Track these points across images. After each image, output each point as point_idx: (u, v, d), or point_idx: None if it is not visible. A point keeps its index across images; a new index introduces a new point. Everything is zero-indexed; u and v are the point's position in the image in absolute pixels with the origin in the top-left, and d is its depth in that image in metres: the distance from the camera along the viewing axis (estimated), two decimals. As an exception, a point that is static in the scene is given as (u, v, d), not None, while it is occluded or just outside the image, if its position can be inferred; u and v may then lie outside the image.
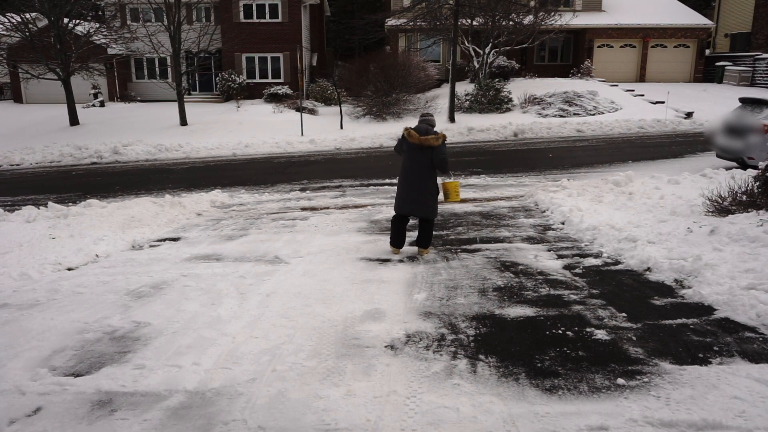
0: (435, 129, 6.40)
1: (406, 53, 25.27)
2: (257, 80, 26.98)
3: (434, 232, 7.54)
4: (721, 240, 5.82)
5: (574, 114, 20.92)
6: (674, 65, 27.80)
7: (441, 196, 6.68)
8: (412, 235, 7.46)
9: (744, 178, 7.58)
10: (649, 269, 5.60)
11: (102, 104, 25.02)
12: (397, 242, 6.62)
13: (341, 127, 20.26)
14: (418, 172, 6.36)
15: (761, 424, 3.01)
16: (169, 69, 26.32)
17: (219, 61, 27.63)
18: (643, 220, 7.11)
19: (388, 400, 3.38)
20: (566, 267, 5.89)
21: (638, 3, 28.93)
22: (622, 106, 21.77)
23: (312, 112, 22.72)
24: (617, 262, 5.96)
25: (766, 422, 3.04)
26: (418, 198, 6.39)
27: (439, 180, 6.65)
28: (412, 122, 20.54)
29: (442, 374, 3.67)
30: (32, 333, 4.48)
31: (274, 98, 24.99)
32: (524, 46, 23.99)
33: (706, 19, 28.74)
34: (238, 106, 23.78)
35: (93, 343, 4.31)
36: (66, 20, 20.35)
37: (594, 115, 20.90)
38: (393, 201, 10.10)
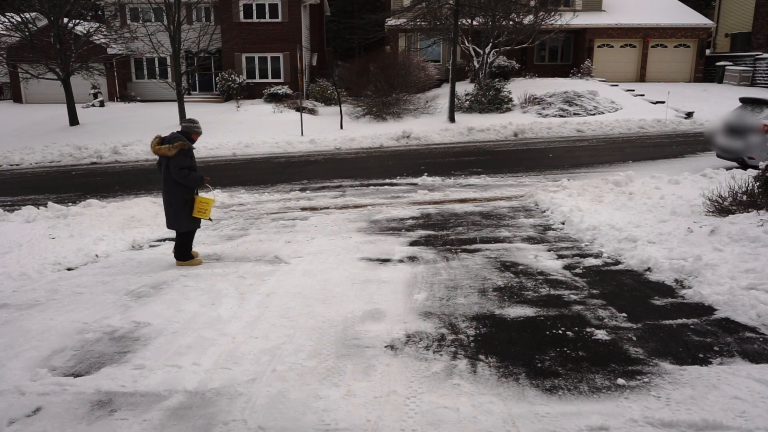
0: (185, 137, 6.18)
1: (406, 53, 25.27)
2: (257, 80, 26.97)
3: (434, 232, 7.55)
4: (722, 240, 5.81)
5: (575, 114, 20.91)
6: (674, 65, 27.80)
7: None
8: (412, 235, 7.46)
9: (744, 178, 7.58)
10: (649, 269, 5.60)
11: (102, 104, 25.01)
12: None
13: (341, 127, 20.26)
14: (164, 184, 6.27)
15: (762, 425, 3.01)
16: (169, 69, 26.32)
17: (219, 61, 27.63)
18: (643, 220, 7.11)
19: (388, 400, 3.38)
20: (566, 267, 5.88)
21: (638, 3, 28.93)
22: (622, 106, 21.77)
23: (312, 112, 22.72)
24: (617, 262, 5.95)
25: (767, 422, 3.03)
26: (167, 210, 6.35)
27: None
28: (413, 122, 20.62)
29: (442, 374, 3.67)
30: (32, 333, 4.48)
31: (274, 98, 24.99)
32: (524, 46, 23.99)
33: (706, 18, 28.74)
34: (238, 106, 23.77)
35: (93, 344, 4.31)
36: (66, 20, 20.34)
37: (594, 115, 20.90)
38: (393, 201, 10.16)
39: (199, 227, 6.60)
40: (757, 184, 6.85)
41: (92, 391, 3.58)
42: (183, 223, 6.35)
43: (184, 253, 6.43)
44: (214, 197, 6.64)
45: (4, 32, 20.13)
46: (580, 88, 22.89)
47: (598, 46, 27.31)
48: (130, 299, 5.24)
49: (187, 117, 6.35)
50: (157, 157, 6.27)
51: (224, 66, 26.94)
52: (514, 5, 21.77)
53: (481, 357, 3.90)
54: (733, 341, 4.02)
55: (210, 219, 6.63)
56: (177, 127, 21.69)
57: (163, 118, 21.57)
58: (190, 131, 6.32)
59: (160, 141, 6.18)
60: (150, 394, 3.53)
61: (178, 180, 6.15)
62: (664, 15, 27.66)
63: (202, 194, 6.61)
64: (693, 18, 27.83)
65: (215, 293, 5.32)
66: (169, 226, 6.43)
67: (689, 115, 20.54)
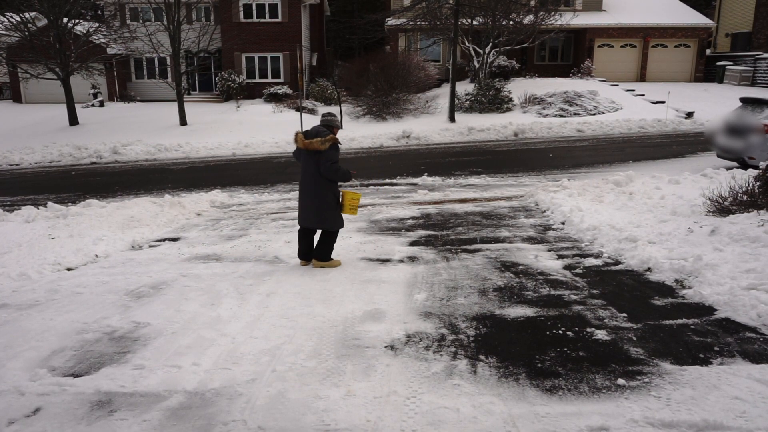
0: (330, 131, 5.86)
1: (406, 53, 25.27)
2: (257, 80, 26.96)
3: (434, 232, 7.55)
4: (722, 240, 5.81)
5: (575, 114, 20.91)
6: (675, 65, 27.79)
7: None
8: (412, 235, 7.45)
9: (745, 178, 7.57)
10: (649, 269, 5.59)
11: (101, 104, 25.00)
12: (302, 255, 6.20)
13: (341, 127, 20.25)
14: (309, 180, 5.92)
15: (762, 425, 3.00)
16: (168, 69, 26.32)
17: (219, 61, 27.62)
18: (643, 220, 7.10)
19: (388, 401, 3.37)
20: (567, 267, 5.88)
21: (639, 2, 28.92)
22: (622, 105, 21.76)
23: (312, 111, 22.71)
24: (618, 262, 5.95)
25: (767, 423, 3.03)
26: (312, 208, 5.94)
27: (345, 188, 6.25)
28: (413, 122, 20.62)
29: (442, 374, 3.67)
30: (31, 333, 4.48)
31: (274, 98, 24.98)
32: (524, 45, 23.98)
33: (706, 18, 28.73)
34: (238, 106, 23.77)
35: (92, 344, 4.30)
36: (65, 20, 20.33)
37: (594, 115, 20.90)
38: (393, 201, 10.15)
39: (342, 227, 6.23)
40: (758, 184, 6.84)
41: (92, 391, 3.58)
42: (336, 221, 6.01)
43: (327, 253, 6.08)
44: (360, 191, 6.30)
45: (3, 32, 20.11)
46: (580, 88, 22.89)
47: (599, 46, 27.31)
48: (129, 299, 5.24)
49: (326, 112, 6.11)
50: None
51: (224, 66, 26.93)
52: (514, 5, 21.76)
53: (482, 357, 3.89)
54: (734, 341, 4.01)
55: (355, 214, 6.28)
56: (177, 127, 21.48)
57: (163, 118, 21.57)
58: (332, 125, 5.96)
59: (304, 135, 5.87)
60: (150, 395, 3.52)
61: (329, 175, 5.80)
62: (665, 15, 27.65)
63: (348, 189, 6.33)
64: (693, 18, 27.82)
65: (215, 293, 5.31)
66: (314, 224, 6.01)
67: (689, 115, 20.53)
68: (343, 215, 6.16)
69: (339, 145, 5.93)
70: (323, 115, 6.08)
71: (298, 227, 6.21)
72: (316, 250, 6.13)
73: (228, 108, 23.86)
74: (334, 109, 22.42)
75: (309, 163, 5.88)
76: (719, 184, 7.82)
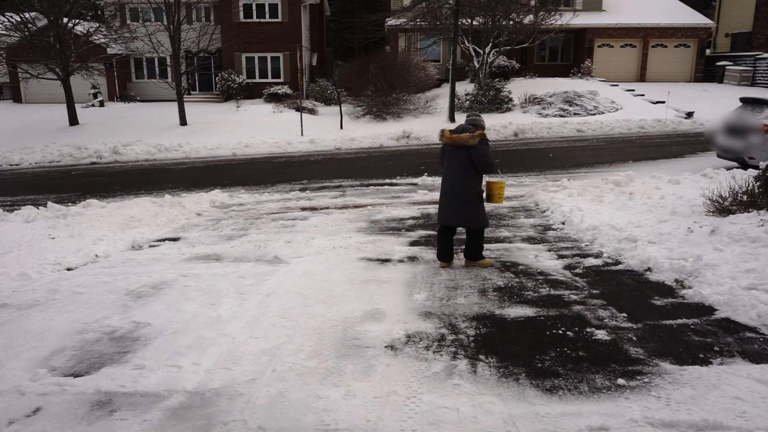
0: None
1: (406, 53, 25.26)
2: (257, 80, 26.97)
3: (434, 232, 7.52)
4: (722, 240, 5.81)
5: (575, 114, 20.91)
6: (675, 65, 27.79)
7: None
8: (412, 235, 7.46)
9: (745, 178, 7.57)
10: (649, 269, 5.60)
11: (101, 104, 25.00)
12: (442, 256, 6.05)
13: (341, 127, 20.25)
14: (455, 177, 5.82)
15: (762, 425, 3.01)
16: (168, 69, 26.31)
17: (219, 61, 27.62)
18: (643, 220, 7.11)
19: (388, 401, 3.37)
20: (566, 267, 5.88)
21: (638, 2, 28.92)
22: (622, 105, 21.77)
23: (312, 112, 22.71)
24: (618, 262, 5.95)
25: (767, 423, 3.03)
26: (459, 205, 5.84)
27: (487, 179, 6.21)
28: (413, 122, 20.61)
29: (442, 374, 3.67)
30: (31, 333, 4.48)
31: (274, 98, 24.98)
32: (524, 45, 23.98)
33: (706, 18, 28.73)
34: (238, 106, 23.77)
35: (92, 344, 4.30)
36: (65, 20, 20.34)
37: (594, 115, 20.90)
38: (393, 201, 10.15)
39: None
40: (758, 184, 6.84)
41: (92, 391, 3.58)
42: (483, 218, 5.91)
43: (479, 252, 5.99)
44: (503, 179, 6.41)
45: (3, 32, 20.11)
46: (580, 88, 22.89)
47: (598, 46, 27.31)
48: (129, 299, 5.24)
49: (471, 112, 6.08)
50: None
51: (224, 66, 26.93)
52: (514, 5, 21.76)
53: (481, 357, 3.89)
54: (734, 341, 4.01)
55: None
56: (177, 127, 21.48)
57: (163, 118, 21.57)
58: (477, 123, 5.91)
59: (451, 132, 5.86)
60: (150, 395, 3.53)
61: (483, 169, 5.72)
62: (664, 15, 27.65)
63: (494, 179, 6.27)
64: (693, 18, 27.82)
65: (215, 293, 5.31)
66: (460, 222, 5.88)
67: (689, 115, 20.54)
68: (490, 204, 5.98)
69: (488, 142, 5.89)
70: (468, 115, 6.07)
71: (438, 227, 6.07)
72: (468, 251, 5.99)
73: (228, 108, 23.86)
74: (333, 109, 22.44)
75: (454, 159, 5.78)
76: (719, 184, 7.82)
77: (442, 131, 5.89)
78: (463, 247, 6.13)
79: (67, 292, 5.46)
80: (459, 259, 6.19)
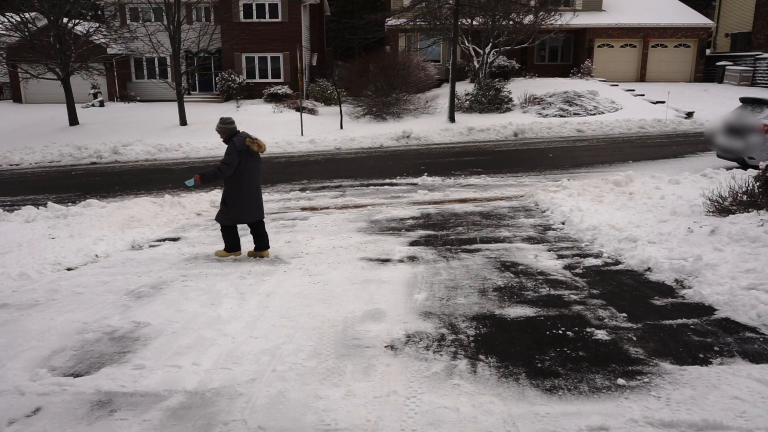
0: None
1: (406, 53, 25.26)
2: (257, 80, 26.96)
3: (434, 232, 7.56)
4: (722, 240, 5.81)
5: (575, 114, 20.91)
6: (675, 65, 27.79)
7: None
8: (412, 235, 7.46)
9: (744, 178, 7.57)
10: (649, 269, 5.60)
11: (101, 104, 24.99)
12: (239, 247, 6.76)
13: (341, 127, 20.25)
14: (258, 178, 6.57)
15: (762, 425, 3.01)
16: (168, 69, 26.30)
17: (219, 61, 27.62)
18: (643, 220, 7.11)
19: (388, 401, 3.37)
20: (566, 267, 5.88)
21: (638, 3, 28.92)
22: (622, 106, 21.76)
23: (312, 112, 22.71)
24: (617, 262, 5.95)
25: (767, 423, 3.03)
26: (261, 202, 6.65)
27: None
28: (413, 122, 20.61)
29: (442, 374, 3.67)
30: (32, 333, 4.48)
31: (274, 98, 24.97)
32: (524, 45, 23.98)
33: (706, 18, 28.73)
34: (238, 106, 23.77)
35: (92, 344, 4.30)
36: (65, 20, 20.33)
37: (594, 115, 20.90)
38: (393, 201, 10.15)
39: None
40: (758, 184, 6.84)
41: (92, 391, 3.58)
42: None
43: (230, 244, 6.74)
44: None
45: (3, 32, 20.11)
46: (580, 88, 22.89)
47: (598, 46, 27.31)
48: (130, 299, 5.24)
49: (222, 117, 6.45)
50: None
51: (224, 66, 26.93)
52: (514, 5, 21.76)
53: (481, 357, 3.90)
54: (734, 341, 4.01)
55: None
56: (177, 127, 21.50)
57: (163, 118, 21.56)
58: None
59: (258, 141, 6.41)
60: (150, 394, 3.53)
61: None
62: (664, 15, 27.65)
63: None
64: (693, 18, 27.82)
65: (215, 293, 5.31)
66: (262, 216, 6.75)
67: (689, 115, 20.53)
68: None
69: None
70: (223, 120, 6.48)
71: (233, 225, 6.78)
72: (264, 242, 6.69)
73: (228, 108, 23.84)
74: (334, 109, 22.45)
75: (258, 162, 6.50)
76: (719, 184, 7.82)
77: (254, 140, 6.31)
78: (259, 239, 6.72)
79: (67, 292, 5.46)
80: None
